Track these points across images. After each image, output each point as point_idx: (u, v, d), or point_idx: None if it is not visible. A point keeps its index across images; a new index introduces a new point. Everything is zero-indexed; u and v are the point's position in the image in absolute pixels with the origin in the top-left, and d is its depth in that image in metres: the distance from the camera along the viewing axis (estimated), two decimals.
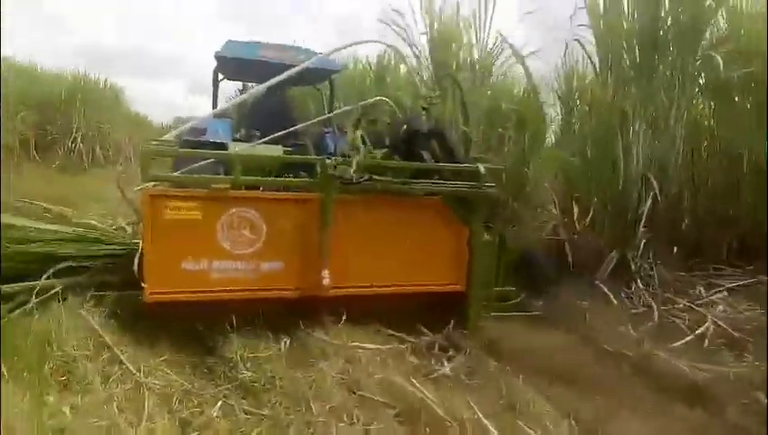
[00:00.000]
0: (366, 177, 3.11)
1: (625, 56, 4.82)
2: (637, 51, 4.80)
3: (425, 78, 7.01)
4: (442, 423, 2.43)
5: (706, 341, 3.76)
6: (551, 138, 8.73)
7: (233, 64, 5.38)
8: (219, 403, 2.49)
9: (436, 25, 6.68)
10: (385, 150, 3.70)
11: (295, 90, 7.13)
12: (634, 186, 4.80)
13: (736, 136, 4.99)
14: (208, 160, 3.41)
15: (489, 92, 8.54)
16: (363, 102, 4.65)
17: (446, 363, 3.15)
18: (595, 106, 5.45)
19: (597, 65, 5.36)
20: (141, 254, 2.96)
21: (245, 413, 2.44)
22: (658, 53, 4.66)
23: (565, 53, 6.00)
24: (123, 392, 2.43)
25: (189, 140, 4.36)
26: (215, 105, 5.89)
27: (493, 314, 3.62)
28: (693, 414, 2.70)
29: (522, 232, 7.24)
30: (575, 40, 5.52)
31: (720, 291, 4.54)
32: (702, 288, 4.59)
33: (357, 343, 2.99)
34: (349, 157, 3.34)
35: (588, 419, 2.61)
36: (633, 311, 4.37)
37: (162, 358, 2.81)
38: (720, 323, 3.97)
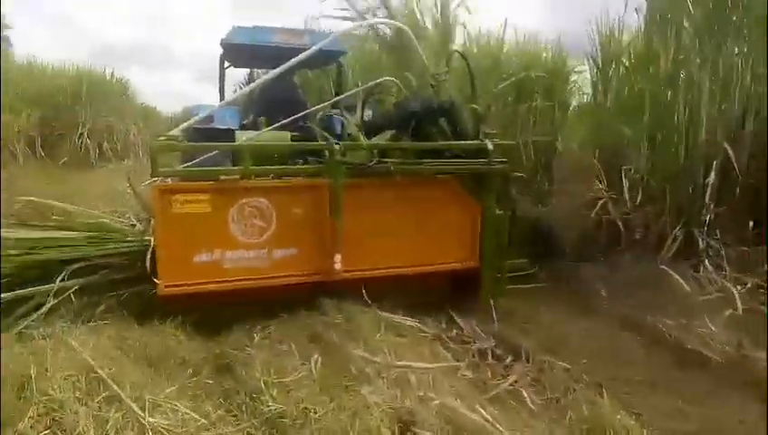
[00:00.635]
0: (375, 160, 3.13)
1: (690, 8, 4.15)
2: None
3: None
4: None
5: None
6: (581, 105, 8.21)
7: (240, 51, 5.26)
8: None
9: None
10: (393, 132, 3.61)
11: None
12: (699, 154, 4.20)
13: None
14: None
15: (515, 58, 8.00)
16: (370, 83, 4.41)
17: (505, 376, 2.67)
18: (644, 66, 4.85)
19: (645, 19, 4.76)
20: (153, 250, 2.94)
21: None
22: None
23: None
24: None
25: (198, 128, 4.30)
26: (222, 93, 5.74)
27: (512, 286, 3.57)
28: None
29: (557, 209, 6.75)
30: None
31: None
32: None
33: (403, 363, 2.48)
34: (355, 140, 3.37)
35: None
36: (704, 297, 3.82)
37: (172, 387, 2.34)
38: None
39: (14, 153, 10.01)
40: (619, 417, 2.25)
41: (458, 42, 8.08)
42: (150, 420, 2.10)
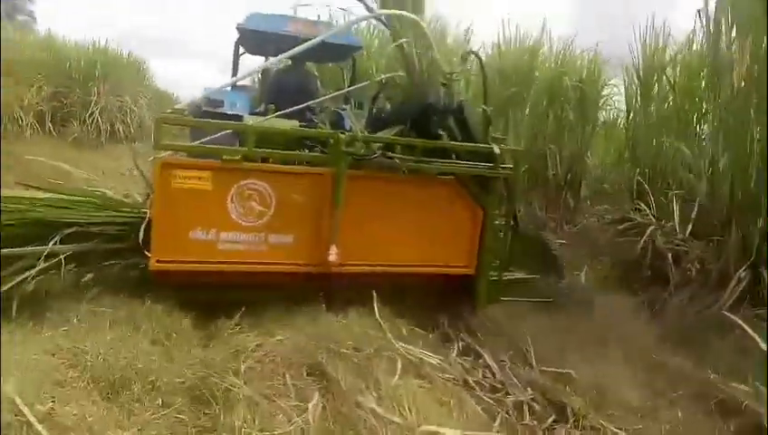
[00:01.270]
0: (379, 153, 3.08)
1: None
2: None
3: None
4: None
5: None
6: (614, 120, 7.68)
7: (256, 38, 5.22)
8: None
9: None
10: (400, 128, 3.48)
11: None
12: None
13: None
14: (224, 132, 3.29)
15: (548, 65, 7.55)
16: (379, 78, 4.28)
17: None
18: (709, 80, 4.31)
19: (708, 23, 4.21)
20: (148, 223, 2.86)
21: None
22: None
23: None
24: None
25: (208, 111, 4.40)
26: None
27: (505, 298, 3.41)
28: None
29: (588, 230, 6.19)
30: None
31: None
32: None
33: (430, 430, 1.95)
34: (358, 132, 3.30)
35: None
36: None
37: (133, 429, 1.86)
38: None
39: (22, 127, 9.62)
40: None
41: (493, 41, 7.70)
42: None
